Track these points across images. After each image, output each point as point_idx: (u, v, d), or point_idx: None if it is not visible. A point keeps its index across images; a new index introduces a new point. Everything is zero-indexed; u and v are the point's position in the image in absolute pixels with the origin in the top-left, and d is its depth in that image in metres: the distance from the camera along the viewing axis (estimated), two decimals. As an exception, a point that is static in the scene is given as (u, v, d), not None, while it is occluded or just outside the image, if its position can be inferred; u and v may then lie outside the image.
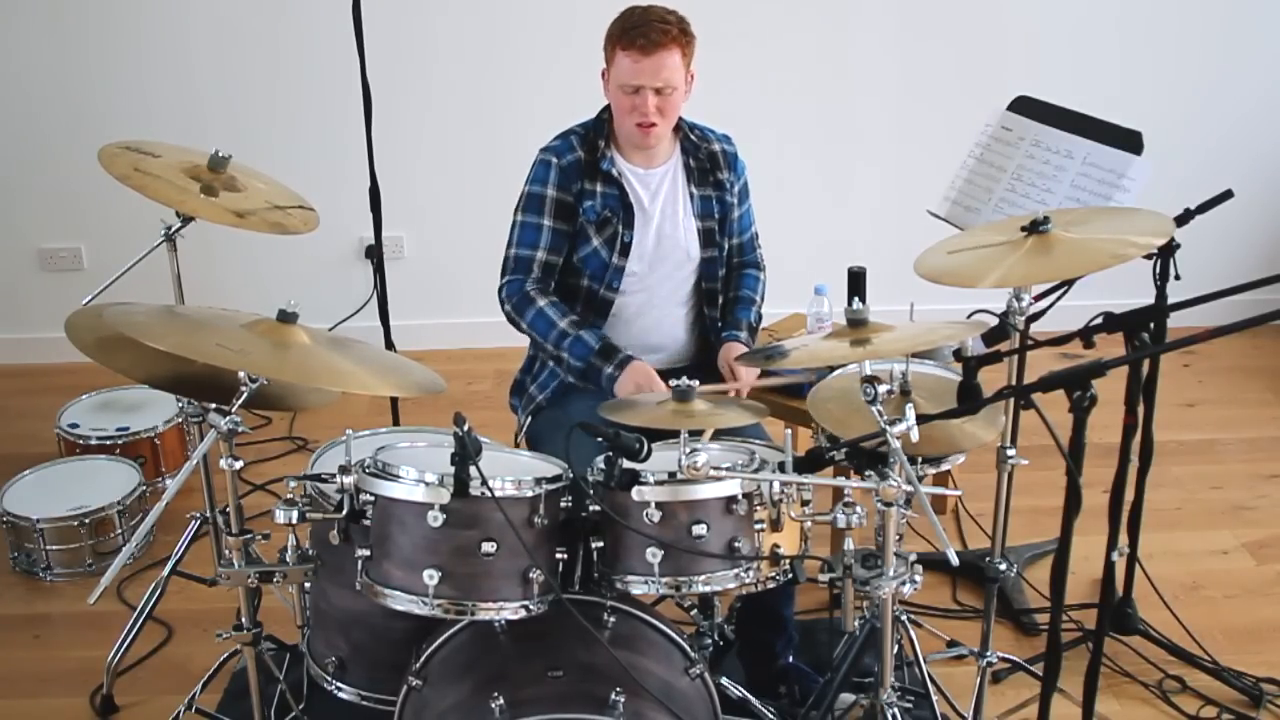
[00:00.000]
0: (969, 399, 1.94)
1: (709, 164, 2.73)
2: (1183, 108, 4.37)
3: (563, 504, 2.03)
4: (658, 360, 2.73)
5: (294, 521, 2.00)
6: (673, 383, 2.24)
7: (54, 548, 3.22)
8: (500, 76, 4.29)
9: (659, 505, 1.96)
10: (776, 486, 1.98)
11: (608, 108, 2.67)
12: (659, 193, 2.69)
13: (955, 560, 1.83)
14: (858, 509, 1.97)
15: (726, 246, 2.77)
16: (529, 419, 2.74)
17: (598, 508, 2.00)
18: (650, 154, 2.68)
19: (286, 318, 2.06)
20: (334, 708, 2.28)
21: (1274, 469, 3.73)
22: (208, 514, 2.68)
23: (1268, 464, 3.76)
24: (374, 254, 3.64)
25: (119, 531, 3.29)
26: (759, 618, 2.61)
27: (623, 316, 2.72)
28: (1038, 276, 2.20)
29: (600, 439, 1.95)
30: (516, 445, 2.77)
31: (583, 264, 2.68)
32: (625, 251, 2.66)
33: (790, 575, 2.01)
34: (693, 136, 2.72)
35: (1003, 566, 2.51)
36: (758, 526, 2.00)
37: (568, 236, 2.66)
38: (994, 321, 2.31)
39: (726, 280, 2.82)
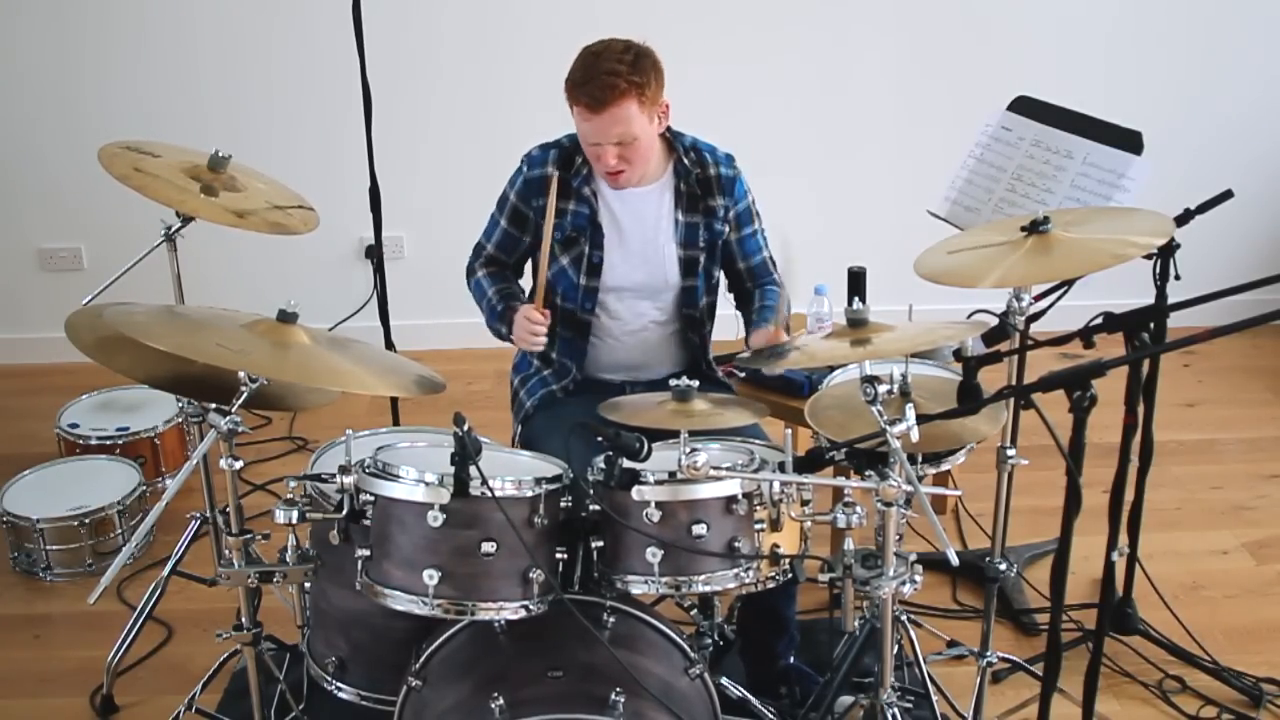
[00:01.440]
0: (969, 399, 1.94)
1: (700, 189, 2.61)
2: (1181, 107, 4.37)
3: (563, 504, 2.03)
4: (643, 376, 2.71)
5: (294, 521, 2.00)
6: (672, 382, 2.24)
7: (54, 548, 3.22)
8: (501, 76, 4.29)
9: (659, 505, 1.96)
10: (776, 486, 1.98)
11: None
12: (642, 213, 2.60)
13: (955, 560, 1.83)
14: (858, 509, 1.97)
15: (716, 274, 2.69)
16: (520, 426, 2.73)
17: (597, 507, 2.00)
18: None
19: (286, 318, 2.06)
20: (334, 708, 2.29)
21: (1274, 469, 3.73)
22: (208, 514, 2.67)
23: (1268, 464, 3.76)
24: (374, 254, 3.63)
25: (119, 531, 3.29)
26: (761, 617, 2.61)
27: (603, 338, 2.67)
28: (1038, 276, 2.20)
29: (600, 439, 1.95)
30: (514, 446, 2.77)
31: (555, 281, 2.61)
32: (595, 272, 2.59)
33: (790, 575, 2.01)
34: (687, 160, 2.60)
35: (1003, 566, 2.51)
36: (758, 526, 2.00)
37: (517, 241, 2.67)
38: (994, 321, 2.31)
39: (746, 299, 2.73)
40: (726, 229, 2.66)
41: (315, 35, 4.12)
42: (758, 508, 2.00)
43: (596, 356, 2.66)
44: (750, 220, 2.70)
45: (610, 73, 2.37)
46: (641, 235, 2.61)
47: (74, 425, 3.56)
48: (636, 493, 1.94)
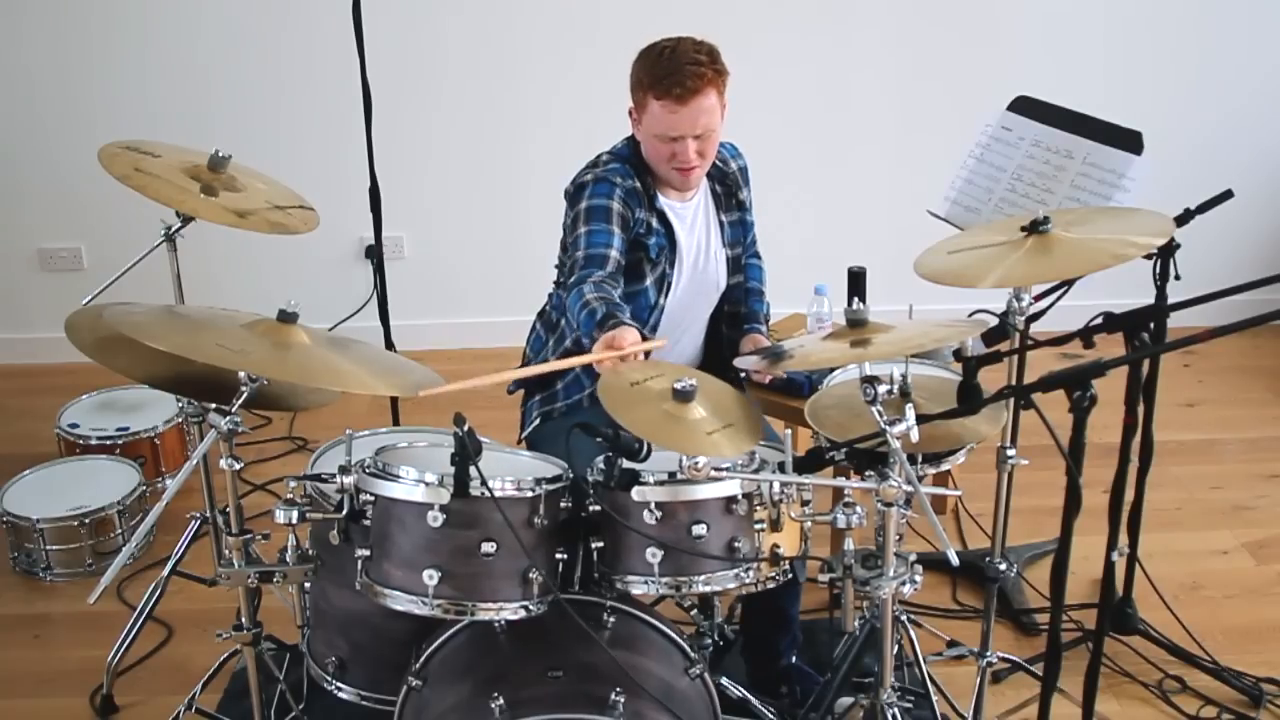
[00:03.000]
0: (969, 399, 1.94)
1: (733, 187, 2.67)
2: (1181, 106, 4.37)
3: (562, 504, 2.03)
4: None
5: (294, 521, 2.00)
6: (674, 384, 2.23)
7: (54, 548, 3.22)
8: (501, 76, 4.29)
9: (659, 505, 1.95)
10: (776, 486, 1.98)
11: (632, 136, 2.57)
12: (694, 223, 2.62)
13: (955, 560, 1.83)
14: (858, 509, 1.97)
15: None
16: (538, 420, 2.68)
17: (598, 508, 2.00)
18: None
19: (286, 318, 2.06)
20: (334, 708, 2.29)
21: (1274, 469, 3.73)
22: (208, 514, 2.67)
23: (1268, 464, 3.76)
24: (374, 254, 3.64)
25: (119, 531, 3.29)
26: (764, 616, 2.61)
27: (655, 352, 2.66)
28: (1038, 276, 2.20)
29: (600, 439, 1.95)
30: (520, 441, 2.76)
31: (627, 302, 2.49)
32: (668, 291, 2.59)
33: (790, 575, 2.01)
34: (716, 161, 2.62)
35: (1003, 566, 2.51)
36: (758, 526, 1.99)
37: (628, 252, 2.48)
38: (994, 321, 2.31)
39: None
40: (753, 220, 2.73)
41: (316, 35, 4.12)
42: (758, 508, 2.00)
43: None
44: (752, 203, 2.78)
45: (694, 63, 2.39)
46: (698, 245, 2.63)
47: (74, 425, 3.56)
48: (637, 493, 1.94)
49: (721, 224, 2.66)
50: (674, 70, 2.38)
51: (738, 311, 2.74)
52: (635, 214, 2.49)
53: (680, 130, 2.42)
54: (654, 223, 2.53)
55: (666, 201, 2.57)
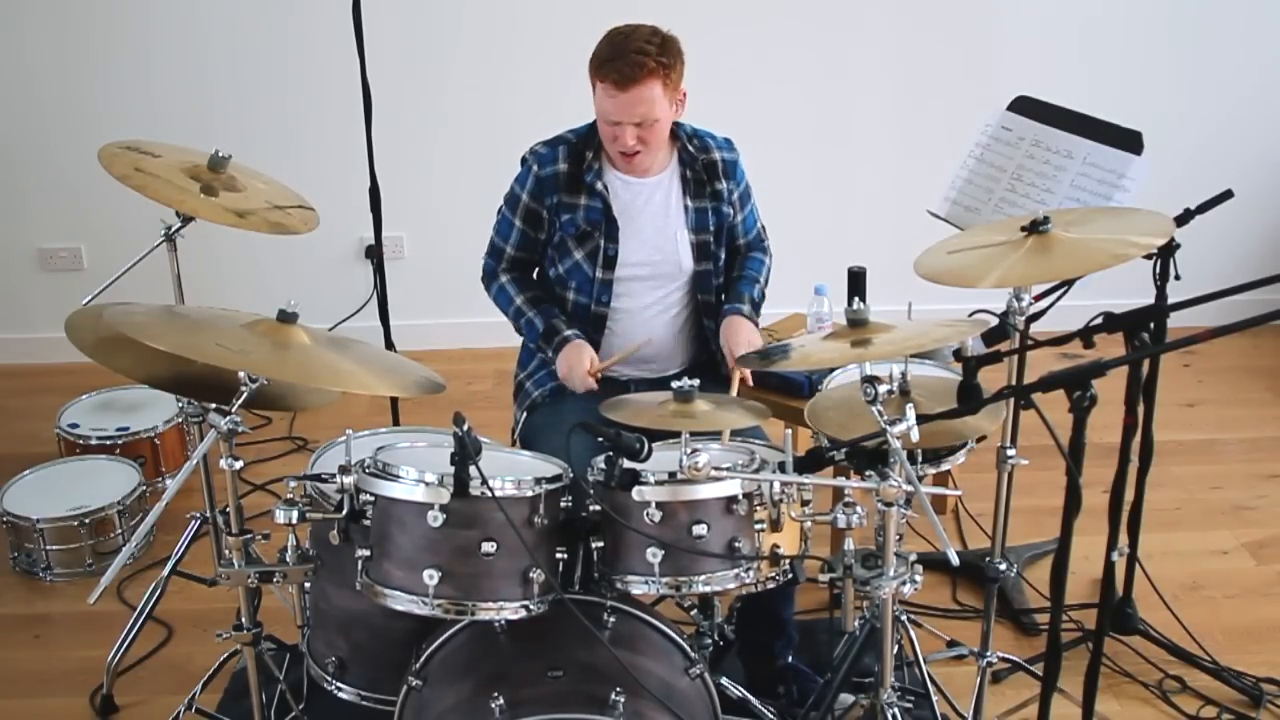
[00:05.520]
0: (969, 399, 1.94)
1: (706, 174, 2.66)
2: (1180, 107, 4.37)
3: (563, 504, 2.03)
4: (651, 370, 2.72)
5: (294, 521, 2.00)
6: (674, 384, 2.24)
7: (54, 548, 3.22)
8: (500, 76, 4.30)
9: (659, 505, 1.95)
10: (777, 486, 1.98)
11: None
12: (651, 202, 2.65)
13: (955, 560, 1.83)
14: (858, 509, 1.97)
15: (723, 256, 2.73)
16: (525, 414, 2.74)
17: (598, 507, 2.00)
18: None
19: (286, 318, 2.06)
20: (334, 708, 2.28)
21: (1274, 469, 3.74)
22: (208, 514, 2.68)
23: (1268, 464, 3.76)
24: (374, 254, 3.63)
25: (119, 531, 3.29)
26: (758, 619, 2.60)
27: (614, 329, 2.69)
28: (1038, 276, 2.20)
29: (600, 439, 1.95)
30: (513, 440, 2.78)
31: (568, 276, 2.66)
32: (610, 265, 2.63)
33: (790, 575, 2.01)
34: (691, 146, 2.65)
35: (1003, 566, 2.51)
36: (758, 526, 1.99)
37: (535, 241, 2.69)
38: (994, 321, 2.31)
39: (729, 266, 2.80)
40: (732, 211, 2.72)
41: (315, 35, 4.13)
42: (758, 508, 2.00)
43: (609, 350, 2.66)
44: (749, 198, 2.80)
45: (639, 51, 2.42)
46: (653, 224, 2.65)
47: (74, 425, 3.56)
48: (637, 493, 1.94)
49: (686, 207, 2.66)
50: (619, 55, 2.43)
51: (711, 301, 2.73)
52: (547, 200, 2.62)
53: (619, 116, 2.47)
54: (583, 200, 2.60)
55: (618, 176, 2.62)
